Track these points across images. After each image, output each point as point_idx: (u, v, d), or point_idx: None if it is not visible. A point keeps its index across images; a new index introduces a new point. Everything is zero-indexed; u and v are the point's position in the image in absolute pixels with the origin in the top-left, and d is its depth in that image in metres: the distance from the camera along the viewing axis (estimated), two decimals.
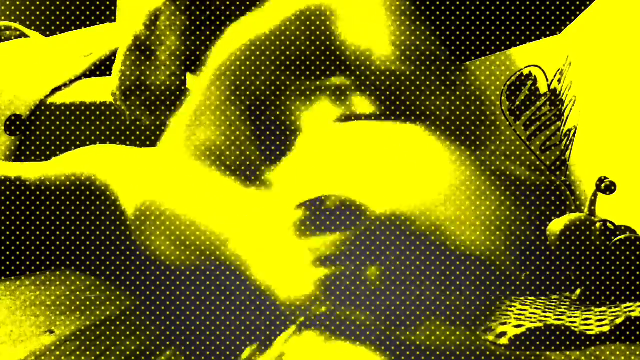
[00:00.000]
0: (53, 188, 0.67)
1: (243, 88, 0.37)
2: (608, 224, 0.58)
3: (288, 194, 0.22)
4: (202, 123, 0.45)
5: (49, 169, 0.69)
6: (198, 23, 0.58)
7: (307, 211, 0.20)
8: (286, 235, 0.21)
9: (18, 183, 0.68)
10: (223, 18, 0.63)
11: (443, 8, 1.01)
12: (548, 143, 0.92)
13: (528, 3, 0.91)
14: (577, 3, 0.88)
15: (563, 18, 0.92)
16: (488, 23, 0.96)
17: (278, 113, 0.31)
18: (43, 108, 0.99)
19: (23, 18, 1.31)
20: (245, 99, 0.35)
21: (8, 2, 1.35)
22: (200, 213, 0.40)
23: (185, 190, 0.44)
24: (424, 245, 0.20)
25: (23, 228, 0.74)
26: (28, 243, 0.76)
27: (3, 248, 0.75)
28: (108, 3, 1.41)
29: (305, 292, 0.20)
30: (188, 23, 0.56)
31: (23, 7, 1.34)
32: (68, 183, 0.66)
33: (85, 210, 0.71)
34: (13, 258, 0.75)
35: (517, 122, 0.97)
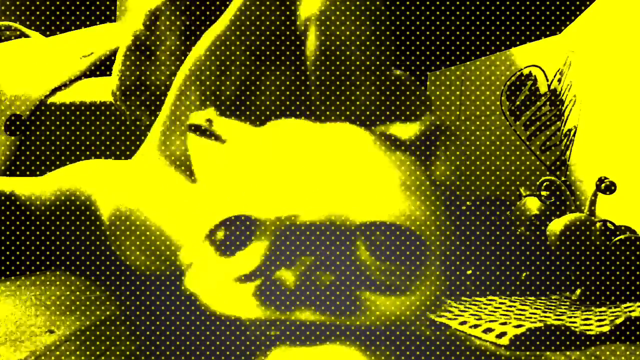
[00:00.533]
0: (43, 208, 0.67)
1: (213, 88, 0.36)
2: (608, 224, 0.58)
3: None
4: (177, 129, 0.45)
5: (38, 186, 0.69)
6: (198, 23, 0.58)
7: (209, 240, 0.20)
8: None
9: (12, 199, 0.68)
10: None
11: (443, 8, 1.01)
12: (548, 143, 0.92)
13: (528, 3, 0.91)
14: (577, 3, 0.88)
15: (563, 18, 0.92)
16: (488, 23, 0.96)
17: (248, 113, 0.29)
18: (43, 108, 0.99)
19: (23, 18, 1.31)
20: (216, 99, 0.34)
21: (8, 2, 1.35)
22: (171, 221, 0.40)
23: (156, 198, 0.44)
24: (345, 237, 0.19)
25: (18, 233, 0.74)
26: (28, 243, 0.76)
27: (3, 248, 0.75)
28: (108, 3, 1.41)
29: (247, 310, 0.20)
30: (188, 23, 0.55)
31: (23, 7, 1.34)
32: (54, 199, 0.66)
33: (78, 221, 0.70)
34: (13, 258, 0.75)
35: (517, 122, 0.97)
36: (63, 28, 1.28)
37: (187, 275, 0.22)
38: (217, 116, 0.23)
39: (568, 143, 0.85)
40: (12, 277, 0.67)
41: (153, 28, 0.64)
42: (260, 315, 0.19)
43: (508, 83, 1.00)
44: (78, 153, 0.96)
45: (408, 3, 0.99)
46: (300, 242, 0.18)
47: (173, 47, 0.66)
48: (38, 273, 0.70)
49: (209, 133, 0.23)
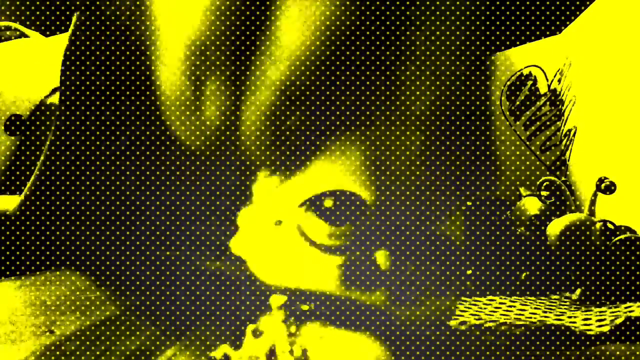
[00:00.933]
0: None
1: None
2: (608, 224, 0.58)
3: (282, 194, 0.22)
4: None
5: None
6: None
7: (311, 207, 0.20)
8: (286, 233, 0.21)
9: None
10: None
11: (443, 8, 1.01)
12: (548, 143, 0.92)
13: (528, 3, 0.91)
14: (577, 3, 0.88)
15: (563, 18, 0.92)
16: (488, 23, 0.96)
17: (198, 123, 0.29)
18: (43, 108, 0.99)
19: (23, 18, 1.31)
20: None
21: (8, 2, 1.35)
22: None
23: None
24: (418, 230, 0.20)
25: (18, 233, 0.74)
26: (28, 243, 0.76)
27: (3, 248, 0.75)
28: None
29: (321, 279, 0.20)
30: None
31: (23, 7, 1.34)
32: None
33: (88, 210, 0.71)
34: (13, 258, 0.75)
35: (517, 122, 0.97)
36: (63, 28, 1.28)
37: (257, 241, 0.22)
38: None
39: (568, 143, 0.85)
40: (12, 277, 0.67)
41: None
42: (338, 291, 0.20)
43: (508, 83, 1.00)
44: (78, 153, 0.96)
45: (408, 3, 0.99)
46: (395, 227, 0.19)
47: None
48: (38, 273, 0.70)
49: None
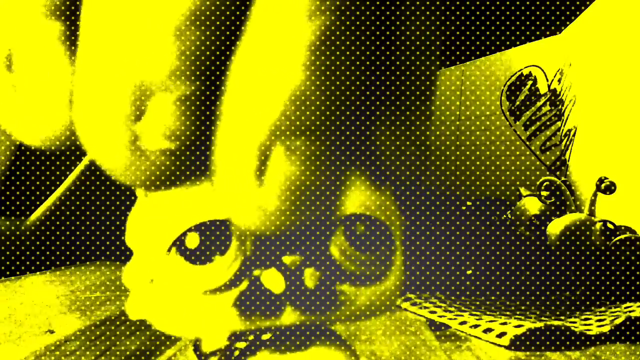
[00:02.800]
0: None
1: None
2: (608, 224, 0.58)
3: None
4: None
5: None
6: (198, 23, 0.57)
7: (178, 250, 0.19)
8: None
9: None
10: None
11: (443, 8, 1.01)
12: (548, 143, 0.92)
13: (528, 3, 0.91)
14: (577, 3, 0.88)
15: (563, 18, 0.92)
16: (488, 23, 0.96)
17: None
18: None
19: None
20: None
21: None
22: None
23: None
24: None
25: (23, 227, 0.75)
26: (28, 243, 0.76)
27: (3, 248, 0.75)
28: None
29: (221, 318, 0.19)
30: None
31: None
32: None
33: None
34: (13, 258, 0.75)
35: (517, 122, 0.97)
36: None
37: (136, 297, 0.20)
38: None
39: (568, 143, 0.85)
40: (13, 277, 0.67)
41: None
42: (243, 326, 0.18)
43: (508, 83, 1.00)
44: (78, 153, 0.96)
45: (408, 3, 0.99)
46: (280, 241, 0.18)
47: None
48: (38, 273, 0.70)
49: None
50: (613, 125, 0.72)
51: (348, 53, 0.14)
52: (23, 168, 0.96)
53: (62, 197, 0.78)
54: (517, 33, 0.97)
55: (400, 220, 0.20)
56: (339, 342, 0.21)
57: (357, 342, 0.42)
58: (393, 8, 0.16)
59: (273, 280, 0.18)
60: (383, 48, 0.16)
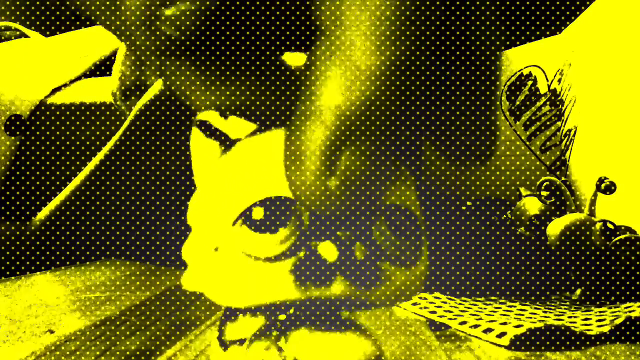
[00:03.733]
0: None
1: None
2: (608, 224, 0.58)
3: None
4: None
5: None
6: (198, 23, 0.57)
7: (245, 221, 0.21)
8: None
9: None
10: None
11: (443, 8, 1.01)
12: (548, 143, 0.92)
13: (528, 3, 0.91)
14: (577, 3, 0.88)
15: (563, 18, 0.92)
16: (488, 23, 0.96)
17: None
18: (43, 108, 0.99)
19: (23, 18, 1.31)
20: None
21: (8, 2, 1.35)
22: None
23: None
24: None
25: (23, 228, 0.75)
26: (28, 243, 0.76)
27: (3, 248, 0.75)
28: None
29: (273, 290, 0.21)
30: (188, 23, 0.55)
31: (23, 7, 1.34)
32: None
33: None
34: (13, 258, 0.75)
35: (517, 122, 0.97)
36: (63, 28, 1.28)
37: (194, 270, 0.22)
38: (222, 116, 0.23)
39: (568, 143, 0.85)
40: (12, 277, 0.67)
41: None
42: (297, 295, 0.20)
43: (508, 83, 1.00)
44: (78, 153, 0.96)
45: (408, 3, 0.99)
46: (335, 218, 0.20)
47: None
48: (38, 273, 0.70)
49: (216, 131, 0.23)
50: (613, 125, 0.72)
51: (412, 73, 0.17)
52: (23, 168, 0.96)
53: (69, 199, 0.78)
54: (517, 33, 0.97)
55: (421, 213, 0.22)
56: (367, 332, 0.22)
57: None
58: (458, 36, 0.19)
59: (328, 251, 0.20)
60: (436, 73, 0.19)
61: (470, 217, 0.68)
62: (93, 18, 0.19)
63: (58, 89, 1.01)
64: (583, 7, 0.85)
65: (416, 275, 0.21)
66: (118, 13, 0.17)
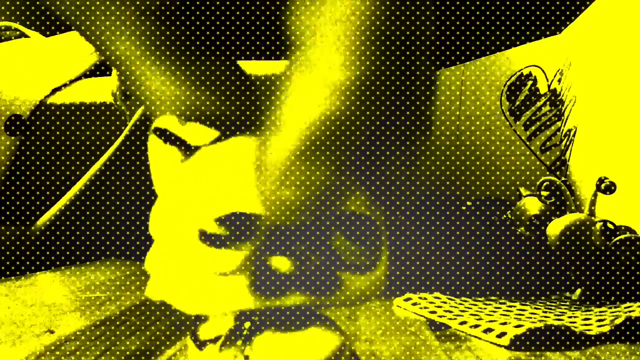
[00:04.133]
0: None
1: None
2: (608, 224, 0.58)
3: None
4: None
5: None
6: (198, 23, 0.57)
7: (204, 237, 0.21)
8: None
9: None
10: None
11: (443, 8, 1.01)
12: (548, 143, 0.92)
13: (528, 3, 0.91)
14: (577, 3, 0.88)
15: (563, 18, 0.92)
16: (488, 23, 0.96)
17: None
18: (43, 108, 0.99)
19: (23, 18, 1.31)
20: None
21: (8, 2, 1.35)
22: None
23: None
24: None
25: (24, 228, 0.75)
26: (29, 244, 0.76)
27: (3, 248, 0.75)
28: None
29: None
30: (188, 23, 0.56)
31: (23, 7, 1.34)
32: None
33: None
34: (13, 258, 0.75)
35: (517, 122, 0.97)
36: (63, 28, 1.28)
37: (157, 280, 0.23)
38: (183, 121, 0.23)
39: (568, 143, 0.85)
40: (12, 277, 0.67)
41: None
42: (254, 305, 0.21)
43: (508, 83, 1.00)
44: (78, 153, 0.96)
45: (408, 3, 0.99)
46: (290, 232, 0.20)
47: None
48: (38, 273, 0.70)
49: (174, 138, 0.23)
50: (613, 125, 0.72)
51: (378, 89, 0.17)
52: (23, 168, 0.96)
53: (71, 202, 0.78)
54: (517, 33, 0.97)
55: (386, 221, 0.23)
56: (333, 325, 0.23)
57: (357, 342, 0.42)
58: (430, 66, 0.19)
59: (283, 264, 0.20)
60: (401, 89, 0.19)
61: (470, 217, 0.68)
62: (64, 19, 0.19)
63: (58, 89, 1.01)
64: (583, 7, 0.85)
65: (373, 279, 0.22)
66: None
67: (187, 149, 0.22)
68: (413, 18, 0.18)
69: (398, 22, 0.18)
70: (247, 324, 0.22)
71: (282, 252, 0.21)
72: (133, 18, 0.18)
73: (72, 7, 0.18)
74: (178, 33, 0.19)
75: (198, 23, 0.19)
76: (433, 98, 0.21)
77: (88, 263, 0.77)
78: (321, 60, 0.17)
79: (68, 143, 0.96)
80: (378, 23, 0.17)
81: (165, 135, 0.22)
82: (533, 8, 0.91)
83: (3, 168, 0.95)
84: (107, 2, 0.18)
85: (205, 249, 0.21)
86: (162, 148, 0.23)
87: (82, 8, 0.17)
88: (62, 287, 0.60)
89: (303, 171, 0.17)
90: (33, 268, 0.76)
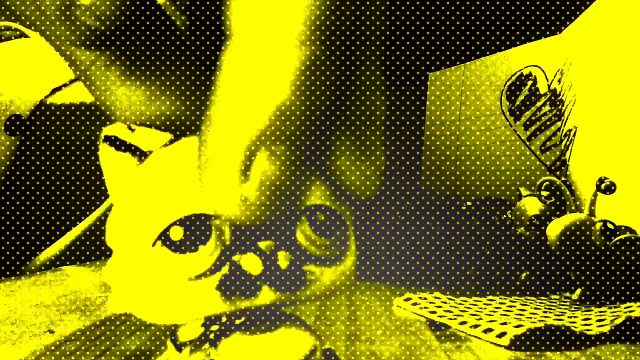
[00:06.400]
0: None
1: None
2: (608, 224, 0.58)
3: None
4: None
5: None
6: (198, 23, 0.57)
7: (164, 243, 0.21)
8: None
9: None
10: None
11: (443, 8, 1.01)
12: (548, 143, 0.92)
13: (528, 3, 0.91)
14: (577, 3, 0.88)
15: (563, 18, 0.92)
16: (488, 23, 0.96)
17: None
18: (43, 108, 0.99)
19: (23, 18, 1.31)
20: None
21: (8, 2, 1.34)
22: None
23: None
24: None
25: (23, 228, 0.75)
26: (28, 243, 0.76)
27: (3, 248, 0.75)
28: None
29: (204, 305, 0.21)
30: (188, 23, 0.56)
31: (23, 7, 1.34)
32: None
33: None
34: (13, 259, 0.75)
35: (517, 122, 0.97)
36: None
37: (120, 292, 0.22)
38: (132, 128, 0.23)
39: (568, 143, 0.85)
40: (12, 277, 0.67)
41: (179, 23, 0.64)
42: (225, 308, 0.20)
43: (508, 83, 1.00)
44: (78, 153, 0.96)
45: (408, 3, 0.99)
46: (255, 229, 0.20)
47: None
48: (38, 273, 0.70)
49: (126, 145, 0.23)
50: (613, 125, 0.72)
51: (324, 78, 0.17)
52: (23, 168, 0.96)
53: (75, 241, 0.79)
54: (517, 33, 0.97)
55: (351, 212, 0.23)
56: (303, 325, 0.23)
57: (357, 342, 0.42)
58: (358, 45, 0.19)
59: (251, 263, 0.20)
60: (347, 79, 0.19)
61: (470, 217, 0.68)
62: (10, 12, 0.18)
63: (58, 89, 1.01)
64: (583, 7, 0.85)
65: (342, 270, 0.22)
66: (37, 3, 0.17)
67: (142, 155, 0.22)
68: (358, 13, 0.18)
69: (335, 14, 0.17)
70: (215, 327, 0.22)
71: (249, 250, 0.20)
72: (82, 38, 0.18)
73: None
74: (135, 23, 0.18)
75: (154, 12, 0.19)
76: (378, 93, 0.21)
77: (88, 263, 0.77)
78: (262, 50, 0.17)
79: (68, 143, 0.96)
80: (317, 13, 0.17)
81: (117, 144, 0.22)
82: (533, 8, 0.91)
83: (3, 168, 0.95)
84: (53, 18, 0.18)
85: (168, 254, 0.20)
86: (114, 156, 0.22)
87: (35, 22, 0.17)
88: (62, 287, 0.60)
89: (257, 165, 0.17)
90: (33, 268, 0.76)
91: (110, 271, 0.22)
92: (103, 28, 0.18)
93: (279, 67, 0.16)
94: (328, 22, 0.16)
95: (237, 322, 0.21)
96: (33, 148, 0.97)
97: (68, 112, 0.98)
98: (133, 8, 0.18)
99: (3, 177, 0.93)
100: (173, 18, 0.19)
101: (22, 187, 0.93)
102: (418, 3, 0.99)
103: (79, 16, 0.17)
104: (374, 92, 0.20)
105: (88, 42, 0.18)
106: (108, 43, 0.18)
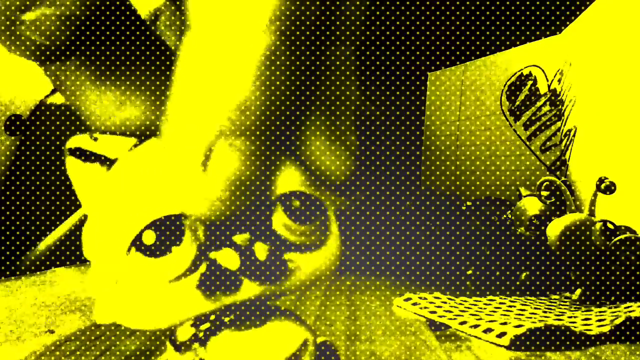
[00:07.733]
0: None
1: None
2: (608, 224, 0.58)
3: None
4: None
5: None
6: None
7: (138, 248, 0.20)
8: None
9: None
10: None
11: (443, 8, 1.01)
12: (548, 143, 0.92)
13: (528, 3, 0.91)
14: (577, 3, 0.88)
15: (563, 18, 0.92)
16: (488, 23, 0.96)
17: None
18: (43, 108, 0.99)
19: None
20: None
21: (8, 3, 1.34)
22: None
23: None
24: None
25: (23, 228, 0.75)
26: (28, 243, 0.76)
27: (3, 248, 0.75)
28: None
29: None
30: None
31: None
32: None
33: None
34: (13, 258, 0.75)
35: (517, 122, 0.97)
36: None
37: (103, 303, 0.22)
38: (98, 136, 0.23)
39: (568, 143, 0.85)
40: (12, 277, 0.67)
41: (153, 28, 0.64)
42: (208, 306, 0.20)
43: (508, 83, 1.00)
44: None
45: (408, 3, 0.99)
46: (230, 224, 0.20)
47: (173, 47, 0.65)
48: (38, 273, 0.70)
49: (92, 155, 0.23)
50: (613, 125, 0.72)
51: (284, 68, 0.17)
52: (23, 168, 0.96)
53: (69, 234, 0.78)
54: (517, 33, 0.97)
55: (330, 195, 0.22)
56: (293, 316, 0.22)
57: (357, 342, 0.42)
58: (327, 35, 0.18)
59: (228, 259, 0.19)
60: (314, 68, 0.18)
61: (470, 217, 0.68)
62: None
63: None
64: (583, 7, 0.85)
65: (324, 257, 0.21)
66: None
67: (110, 163, 0.22)
68: (318, 2, 0.17)
69: (299, 2, 0.17)
70: (205, 325, 0.22)
71: (225, 246, 0.20)
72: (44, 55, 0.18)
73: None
74: (86, 35, 0.18)
75: (105, 24, 0.18)
76: (353, 78, 0.21)
77: (88, 263, 0.77)
78: (221, 40, 0.16)
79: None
80: (278, 3, 0.16)
81: (83, 154, 0.22)
82: (533, 8, 0.91)
83: (3, 168, 0.95)
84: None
85: (144, 260, 0.20)
86: (82, 167, 0.22)
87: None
88: (62, 287, 0.60)
89: (217, 160, 0.17)
90: (33, 268, 0.76)
91: (91, 282, 0.21)
92: (48, 43, 0.18)
93: (238, 58, 0.16)
94: (288, 12, 0.16)
95: (227, 319, 0.21)
96: (33, 148, 0.97)
97: (68, 112, 0.98)
98: (80, 25, 0.18)
99: (3, 177, 0.93)
100: (143, 28, 0.19)
101: (22, 187, 0.93)
102: (418, 3, 0.99)
103: (24, 31, 0.17)
104: (347, 79, 0.20)
105: (34, 58, 0.18)
106: (77, 53, 0.18)
